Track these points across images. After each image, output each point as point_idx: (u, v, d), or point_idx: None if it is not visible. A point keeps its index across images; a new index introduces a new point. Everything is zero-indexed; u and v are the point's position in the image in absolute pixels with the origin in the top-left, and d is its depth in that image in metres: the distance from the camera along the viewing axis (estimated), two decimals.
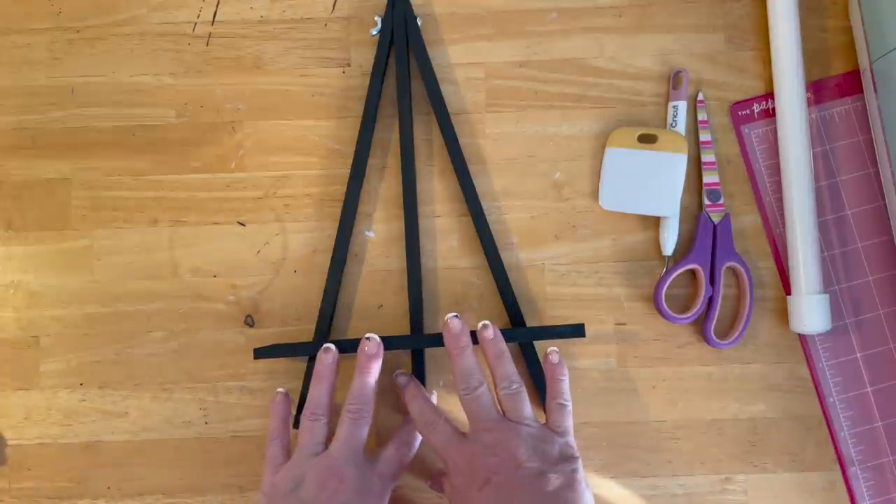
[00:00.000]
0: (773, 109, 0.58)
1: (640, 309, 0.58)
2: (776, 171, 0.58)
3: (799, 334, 0.57)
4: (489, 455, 0.48)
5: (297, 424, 0.55)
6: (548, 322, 0.58)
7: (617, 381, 0.57)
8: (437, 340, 0.55)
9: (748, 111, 0.59)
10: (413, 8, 0.58)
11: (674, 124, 0.57)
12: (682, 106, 0.57)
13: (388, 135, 0.59)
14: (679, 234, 0.57)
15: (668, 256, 0.57)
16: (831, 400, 0.57)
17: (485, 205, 0.57)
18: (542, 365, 0.54)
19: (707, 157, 0.58)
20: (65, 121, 0.59)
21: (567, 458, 0.49)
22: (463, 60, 0.59)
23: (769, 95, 0.58)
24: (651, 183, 0.56)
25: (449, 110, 0.57)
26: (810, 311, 0.55)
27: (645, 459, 0.57)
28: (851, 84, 0.58)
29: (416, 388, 0.54)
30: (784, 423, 0.57)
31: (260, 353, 0.56)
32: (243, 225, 0.59)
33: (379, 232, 0.58)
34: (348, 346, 0.55)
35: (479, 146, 0.59)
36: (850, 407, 0.57)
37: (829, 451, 0.57)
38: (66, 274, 0.58)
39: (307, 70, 0.59)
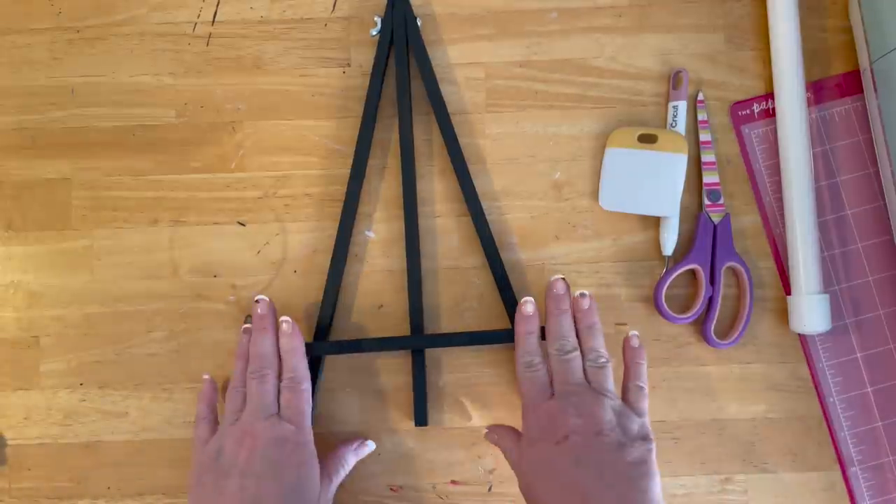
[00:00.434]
0: (773, 109, 0.58)
1: (641, 309, 0.58)
2: (776, 171, 0.58)
3: (799, 334, 0.57)
4: (573, 416, 0.49)
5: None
6: None
7: (617, 381, 0.57)
8: (437, 340, 0.55)
9: (748, 111, 0.59)
10: (413, 8, 0.58)
11: (674, 124, 0.57)
12: (682, 106, 0.57)
13: (388, 135, 0.59)
14: (679, 234, 0.57)
15: (669, 256, 0.57)
16: (831, 400, 0.57)
17: (485, 205, 0.57)
18: (623, 348, 0.54)
19: (707, 157, 0.58)
20: (65, 121, 0.59)
21: (644, 436, 0.49)
22: (463, 60, 0.59)
23: (769, 95, 0.58)
24: (651, 183, 0.56)
25: (449, 110, 0.57)
26: (810, 311, 0.55)
27: None
28: (851, 84, 0.58)
29: (536, 323, 0.53)
30: (784, 423, 0.57)
31: None
32: (243, 225, 0.59)
33: (379, 232, 0.58)
34: (348, 347, 0.55)
35: (479, 146, 0.59)
36: (851, 407, 0.57)
37: (829, 451, 0.57)
38: (66, 274, 0.58)
39: (307, 70, 0.59)
